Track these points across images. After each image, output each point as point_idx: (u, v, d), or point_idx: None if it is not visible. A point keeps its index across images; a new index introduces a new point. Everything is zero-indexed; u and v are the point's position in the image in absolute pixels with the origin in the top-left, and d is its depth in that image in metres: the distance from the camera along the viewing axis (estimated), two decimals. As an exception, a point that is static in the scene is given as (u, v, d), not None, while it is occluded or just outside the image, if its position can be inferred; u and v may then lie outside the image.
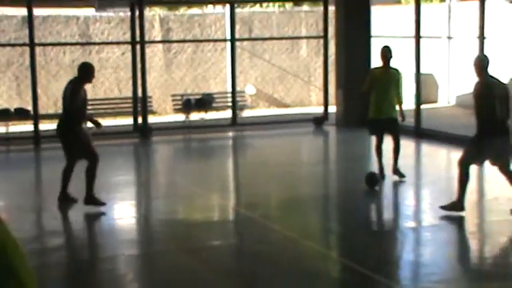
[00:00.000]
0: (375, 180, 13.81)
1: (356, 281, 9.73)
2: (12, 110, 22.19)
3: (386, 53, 13.77)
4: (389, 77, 13.83)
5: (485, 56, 12.49)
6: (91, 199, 12.72)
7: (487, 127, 11.38)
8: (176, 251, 11.14)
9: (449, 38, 25.09)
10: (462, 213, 11.78)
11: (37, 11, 21.32)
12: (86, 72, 12.94)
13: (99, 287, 10.05)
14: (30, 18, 20.09)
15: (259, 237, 11.55)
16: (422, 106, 20.01)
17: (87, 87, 13.13)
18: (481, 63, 11.55)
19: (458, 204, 11.63)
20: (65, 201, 13.02)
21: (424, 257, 10.69)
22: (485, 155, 11.60)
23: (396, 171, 14.16)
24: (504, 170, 11.59)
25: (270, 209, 13.60)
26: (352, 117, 20.62)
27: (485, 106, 11.39)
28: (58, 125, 13.20)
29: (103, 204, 12.75)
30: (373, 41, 21.27)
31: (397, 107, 14.14)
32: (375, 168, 14.37)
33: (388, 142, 14.03)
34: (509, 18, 22.69)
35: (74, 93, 12.64)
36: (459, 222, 11.90)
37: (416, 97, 19.73)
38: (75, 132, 12.80)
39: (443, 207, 11.79)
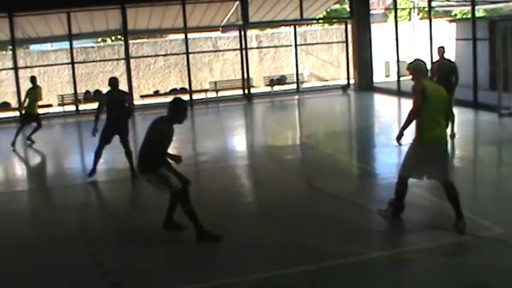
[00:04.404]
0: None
1: (363, 173, 9.86)
2: (179, 88, 22.80)
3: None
4: None
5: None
6: None
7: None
8: (269, 161, 11.18)
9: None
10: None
11: (190, 35, 21.65)
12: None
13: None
14: (186, 39, 20.71)
15: (311, 154, 11.81)
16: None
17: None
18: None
19: None
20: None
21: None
22: None
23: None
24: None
25: (318, 138, 13.61)
26: (362, 85, 20.79)
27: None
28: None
29: None
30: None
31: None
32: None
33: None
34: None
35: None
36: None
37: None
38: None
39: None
